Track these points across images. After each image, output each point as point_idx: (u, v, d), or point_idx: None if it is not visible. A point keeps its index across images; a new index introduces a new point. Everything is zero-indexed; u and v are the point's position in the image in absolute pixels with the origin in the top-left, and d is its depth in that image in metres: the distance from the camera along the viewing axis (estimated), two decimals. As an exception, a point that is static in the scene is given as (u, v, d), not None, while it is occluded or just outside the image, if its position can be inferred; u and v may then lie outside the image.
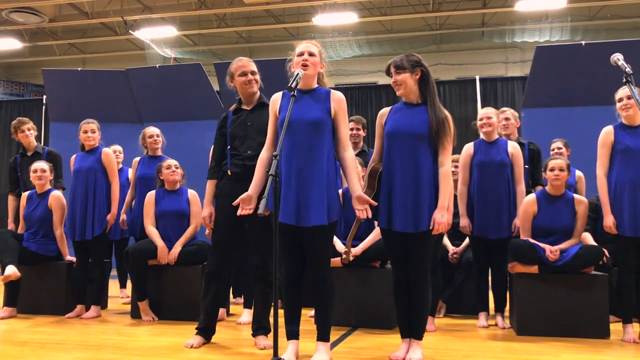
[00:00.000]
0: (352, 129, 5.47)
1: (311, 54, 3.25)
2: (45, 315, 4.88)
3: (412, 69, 3.27)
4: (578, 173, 5.27)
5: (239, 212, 3.21)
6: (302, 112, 3.18)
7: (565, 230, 4.21)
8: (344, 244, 4.28)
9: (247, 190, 3.46)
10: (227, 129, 3.75)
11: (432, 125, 3.19)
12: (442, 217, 3.15)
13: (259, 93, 3.80)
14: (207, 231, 4.96)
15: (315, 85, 3.32)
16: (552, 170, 4.25)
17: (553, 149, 5.34)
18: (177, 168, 4.94)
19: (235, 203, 3.22)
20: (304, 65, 3.20)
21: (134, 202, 5.51)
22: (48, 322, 4.58)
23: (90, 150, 4.99)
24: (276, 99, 3.34)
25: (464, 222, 4.47)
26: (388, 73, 3.35)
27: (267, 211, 3.11)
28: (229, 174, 3.68)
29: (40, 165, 5.06)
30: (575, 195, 4.32)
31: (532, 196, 4.32)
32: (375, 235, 4.37)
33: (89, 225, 4.82)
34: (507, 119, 4.87)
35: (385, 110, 3.42)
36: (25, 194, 5.18)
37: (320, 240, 3.18)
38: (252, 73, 3.75)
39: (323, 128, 3.18)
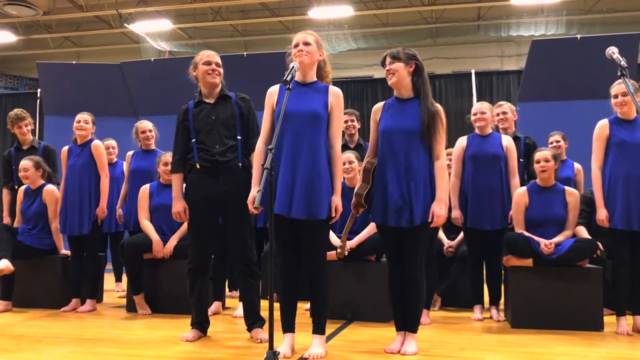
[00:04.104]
0: (346, 121, 5.47)
1: (306, 44, 3.24)
2: (40, 309, 4.88)
3: (406, 60, 3.28)
4: (577, 165, 5.29)
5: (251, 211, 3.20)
6: (301, 104, 3.19)
7: (556, 220, 4.23)
8: (340, 237, 4.30)
9: (218, 184, 3.56)
10: (190, 122, 3.70)
11: (424, 120, 3.21)
12: (440, 210, 3.17)
13: (220, 86, 3.77)
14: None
15: (314, 79, 3.32)
16: (537, 162, 4.28)
17: (551, 142, 5.35)
18: None
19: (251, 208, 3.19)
20: (301, 56, 3.20)
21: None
22: (43, 316, 4.58)
23: (83, 143, 4.95)
24: (273, 92, 3.33)
25: (456, 213, 4.49)
26: (383, 64, 3.36)
27: (260, 208, 3.11)
28: (198, 167, 3.64)
29: (23, 164, 5.01)
30: (567, 187, 4.34)
31: (523, 188, 4.35)
32: (370, 228, 4.38)
33: (82, 220, 4.78)
34: (504, 112, 4.88)
35: (379, 106, 3.43)
36: (21, 189, 5.15)
37: (317, 233, 3.19)
38: (217, 65, 3.72)
39: (321, 121, 3.20)
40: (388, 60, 3.32)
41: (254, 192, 3.19)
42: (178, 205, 3.71)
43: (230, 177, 3.60)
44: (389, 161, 3.25)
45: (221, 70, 3.74)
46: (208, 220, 3.68)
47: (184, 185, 3.76)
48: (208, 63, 3.69)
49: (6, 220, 5.39)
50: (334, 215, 3.18)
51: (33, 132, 5.59)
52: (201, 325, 3.73)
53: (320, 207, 3.11)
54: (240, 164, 3.62)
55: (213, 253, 4.84)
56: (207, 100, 3.73)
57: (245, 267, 3.66)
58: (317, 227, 3.17)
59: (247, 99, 3.78)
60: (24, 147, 5.44)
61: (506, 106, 4.95)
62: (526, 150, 4.86)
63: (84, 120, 4.93)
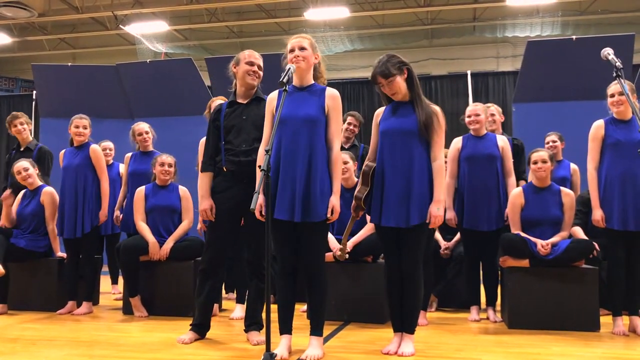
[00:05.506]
0: (350, 124, 5.48)
1: (302, 48, 3.24)
2: (36, 311, 4.86)
3: (399, 71, 3.27)
4: (573, 166, 5.30)
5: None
6: (297, 109, 3.21)
7: (552, 220, 4.24)
8: (338, 239, 4.30)
9: (243, 187, 3.51)
10: (221, 122, 3.69)
11: (420, 121, 3.21)
12: (438, 211, 3.18)
13: (256, 89, 3.76)
14: (198, 226, 4.96)
15: (311, 82, 3.33)
16: (535, 163, 4.29)
17: (547, 142, 5.36)
18: (170, 167, 4.89)
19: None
20: (297, 61, 3.21)
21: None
22: (39, 319, 4.56)
23: (80, 146, 4.95)
24: (273, 98, 3.34)
25: (450, 214, 4.49)
26: (375, 83, 3.34)
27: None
28: (225, 170, 3.63)
29: (22, 165, 5.00)
30: (562, 188, 4.35)
31: (519, 189, 4.36)
32: (366, 230, 4.38)
33: (79, 222, 4.78)
34: (492, 114, 4.91)
35: (380, 110, 3.45)
36: (22, 192, 5.16)
37: (315, 234, 3.20)
38: (259, 67, 3.71)
39: (318, 125, 3.21)
40: (381, 80, 3.29)
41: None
42: (205, 203, 3.66)
43: (253, 181, 3.57)
44: (388, 161, 3.26)
45: (261, 73, 3.73)
46: (229, 225, 3.66)
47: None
48: (251, 64, 3.67)
49: (2, 222, 5.36)
50: (330, 215, 3.18)
51: (31, 132, 5.59)
52: (200, 328, 3.71)
53: (318, 209, 3.12)
54: (260, 167, 3.60)
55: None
56: (240, 101, 3.72)
57: (256, 270, 3.66)
58: (315, 229, 3.18)
59: None
60: (21, 149, 5.44)
61: (494, 108, 4.98)
62: (514, 152, 4.87)
63: (82, 126, 4.93)
